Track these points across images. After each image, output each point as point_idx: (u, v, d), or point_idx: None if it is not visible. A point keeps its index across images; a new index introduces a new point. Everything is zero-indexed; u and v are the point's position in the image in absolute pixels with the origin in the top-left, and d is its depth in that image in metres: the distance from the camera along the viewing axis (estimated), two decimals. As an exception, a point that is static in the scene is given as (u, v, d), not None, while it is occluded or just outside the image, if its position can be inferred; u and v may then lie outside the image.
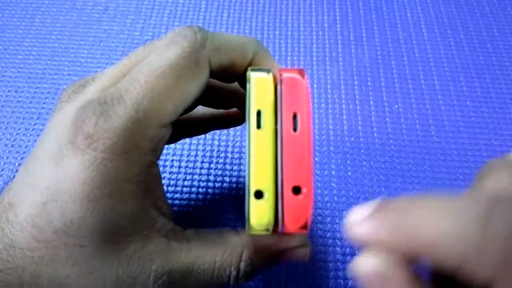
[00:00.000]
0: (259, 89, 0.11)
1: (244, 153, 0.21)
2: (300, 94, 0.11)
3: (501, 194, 0.08)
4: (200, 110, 0.16)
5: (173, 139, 0.18)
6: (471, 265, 0.07)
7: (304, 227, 0.10)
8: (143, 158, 0.11)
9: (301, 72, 0.11)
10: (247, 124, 0.11)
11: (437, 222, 0.08)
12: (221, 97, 0.15)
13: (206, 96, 0.15)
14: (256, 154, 0.10)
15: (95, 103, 0.11)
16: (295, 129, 0.10)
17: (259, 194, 0.10)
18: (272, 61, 0.13)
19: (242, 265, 0.12)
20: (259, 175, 0.10)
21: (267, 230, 0.11)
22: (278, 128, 0.11)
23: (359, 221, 0.09)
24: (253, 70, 0.11)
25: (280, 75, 0.11)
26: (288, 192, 0.10)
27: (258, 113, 0.11)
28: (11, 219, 0.10)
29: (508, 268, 0.07)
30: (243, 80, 0.14)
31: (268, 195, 0.10)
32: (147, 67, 0.11)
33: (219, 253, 0.12)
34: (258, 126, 0.11)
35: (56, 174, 0.10)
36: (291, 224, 0.10)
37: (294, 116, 0.11)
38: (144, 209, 0.11)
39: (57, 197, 0.10)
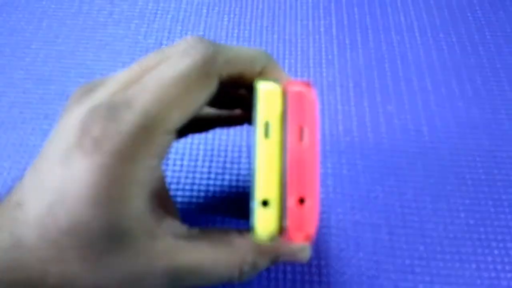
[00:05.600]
0: (267, 101, 0.11)
1: (242, 152, 0.21)
2: (307, 107, 0.11)
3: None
4: (205, 109, 0.17)
5: (178, 136, 0.18)
6: None
7: (308, 237, 0.10)
8: (148, 163, 0.11)
9: (308, 85, 0.11)
10: (254, 134, 0.11)
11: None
12: (226, 99, 0.16)
13: (212, 98, 0.15)
14: (263, 163, 0.10)
15: (104, 107, 0.11)
16: (301, 142, 0.10)
17: (265, 203, 0.10)
18: (281, 72, 0.13)
19: (245, 266, 0.12)
20: (265, 184, 0.10)
21: (272, 239, 0.11)
22: (284, 141, 0.11)
23: None
24: (261, 81, 0.11)
25: (287, 88, 0.11)
26: (292, 203, 0.10)
27: (266, 125, 0.11)
28: (19, 218, 0.10)
29: None
30: (250, 89, 0.14)
31: (274, 204, 0.10)
32: (158, 76, 0.11)
33: (224, 254, 0.12)
34: (266, 136, 0.11)
35: (63, 176, 0.10)
36: (295, 234, 0.10)
37: (301, 130, 0.11)
38: (151, 210, 0.11)
39: (64, 199, 0.10)
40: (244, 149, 0.21)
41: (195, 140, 0.22)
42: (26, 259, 0.10)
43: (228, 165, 0.21)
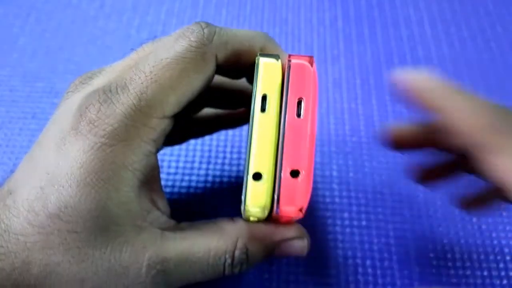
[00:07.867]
0: (267, 74, 0.11)
1: (242, 153, 0.20)
2: (307, 80, 0.11)
3: None
4: (206, 110, 0.16)
5: (179, 140, 0.18)
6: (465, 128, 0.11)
7: (301, 211, 0.10)
8: (142, 147, 0.11)
9: (310, 59, 0.11)
10: (251, 107, 0.11)
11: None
12: (228, 96, 0.15)
13: (214, 96, 0.15)
14: (258, 136, 0.10)
15: (100, 91, 0.11)
16: (299, 115, 0.10)
17: (257, 176, 0.10)
18: (282, 52, 0.13)
19: (237, 252, 0.12)
20: (259, 157, 0.10)
21: (263, 213, 0.10)
22: (282, 112, 0.11)
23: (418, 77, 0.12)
24: (262, 55, 0.11)
25: (289, 60, 0.11)
26: (286, 174, 0.10)
27: (264, 98, 0.11)
28: (9, 205, 0.10)
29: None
30: (251, 75, 0.13)
31: (267, 177, 0.10)
32: (153, 58, 0.11)
33: (214, 240, 0.12)
34: (263, 109, 0.11)
35: (57, 160, 0.10)
36: (286, 206, 0.10)
37: (299, 102, 0.10)
38: (139, 199, 0.11)
39: (55, 181, 0.10)
40: (244, 150, 0.20)
41: (192, 140, 0.21)
42: (12, 247, 0.10)
43: (226, 167, 0.20)
